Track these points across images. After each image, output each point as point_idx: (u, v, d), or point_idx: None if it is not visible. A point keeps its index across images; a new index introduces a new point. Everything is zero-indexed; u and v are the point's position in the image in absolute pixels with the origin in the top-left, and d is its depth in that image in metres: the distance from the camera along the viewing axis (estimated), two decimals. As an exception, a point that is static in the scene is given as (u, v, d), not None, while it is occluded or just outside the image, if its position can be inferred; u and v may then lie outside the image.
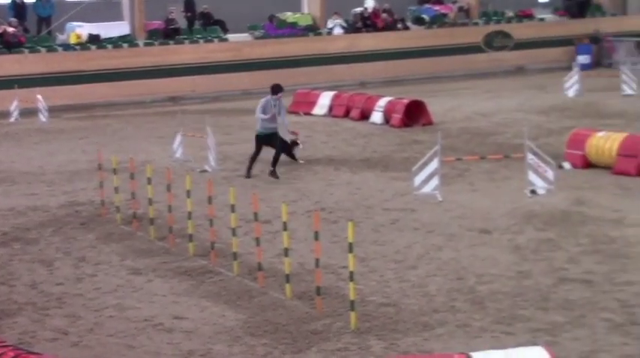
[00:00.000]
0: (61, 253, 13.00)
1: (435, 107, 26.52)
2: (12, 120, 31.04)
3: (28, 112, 30.98)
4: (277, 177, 17.58)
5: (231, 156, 20.92)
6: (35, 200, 16.80)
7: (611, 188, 15.77)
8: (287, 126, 18.58)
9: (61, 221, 15.02)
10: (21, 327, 9.79)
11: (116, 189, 14.53)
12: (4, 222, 15.11)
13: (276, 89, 17.84)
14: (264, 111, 17.68)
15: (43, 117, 30.22)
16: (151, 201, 13.53)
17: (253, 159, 18.08)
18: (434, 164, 15.37)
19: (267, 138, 17.87)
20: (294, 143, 19.49)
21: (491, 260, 11.64)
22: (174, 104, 34.01)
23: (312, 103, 29.46)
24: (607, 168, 17.14)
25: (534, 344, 7.98)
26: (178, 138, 20.56)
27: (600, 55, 39.56)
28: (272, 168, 17.71)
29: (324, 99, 29.09)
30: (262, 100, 17.84)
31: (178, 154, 20.55)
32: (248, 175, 17.85)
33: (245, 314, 10.01)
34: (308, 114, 29.00)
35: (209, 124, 19.32)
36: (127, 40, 35.50)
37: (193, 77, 35.07)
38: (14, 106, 31.08)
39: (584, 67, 34.23)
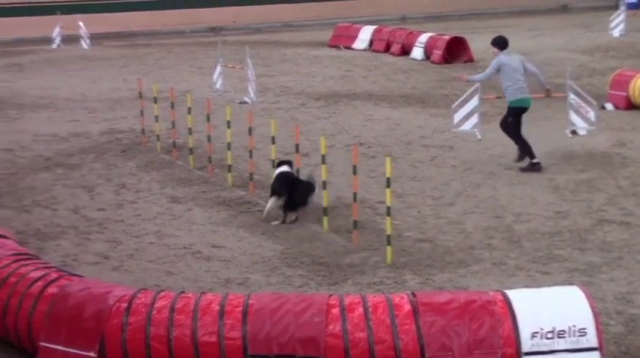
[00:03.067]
0: (102, 179, 13.19)
1: (477, 44, 26.21)
2: (54, 46, 31.23)
3: (70, 39, 31.13)
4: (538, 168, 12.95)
5: (271, 89, 20.95)
6: (77, 126, 17.01)
7: (653, 130, 15.59)
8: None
9: (102, 148, 15.21)
10: (64, 250, 10.00)
11: (156, 118, 14.63)
12: (48, 147, 15.34)
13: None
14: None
15: (85, 45, 30.36)
16: (190, 131, 13.62)
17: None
18: (474, 102, 15.27)
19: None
20: None
21: (529, 199, 11.61)
22: (215, 34, 33.97)
23: (353, 37, 29.28)
24: (650, 110, 16.93)
25: (570, 283, 8.00)
26: (218, 69, 20.57)
27: (648, -6, 38.73)
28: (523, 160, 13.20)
29: (365, 34, 28.91)
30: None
31: (218, 85, 20.59)
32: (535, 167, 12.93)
33: (282, 245, 10.12)
34: (348, 48, 28.84)
35: (249, 56, 19.30)
36: (168, -32, 35.47)
37: (235, 8, 34.93)
38: (56, 32, 31.24)
39: (630, 7, 33.53)
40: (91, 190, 12.60)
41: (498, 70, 13.13)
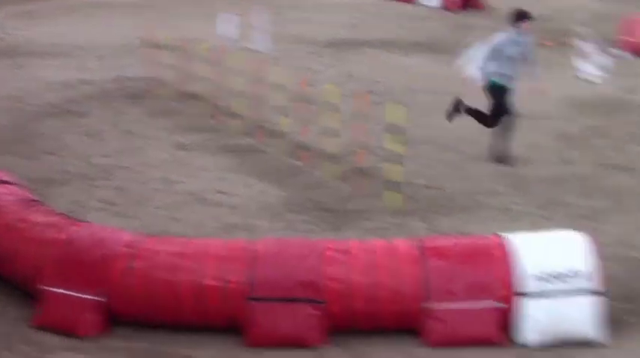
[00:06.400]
0: (109, 126, 13.20)
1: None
2: (64, -7, 31.03)
3: (80, -14, 30.94)
4: None
5: (284, 37, 20.81)
6: (86, 74, 16.96)
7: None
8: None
9: (111, 95, 15.18)
10: (71, 197, 10.06)
11: (166, 66, 14.57)
12: (56, 95, 15.34)
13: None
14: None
15: (94, -8, 30.17)
16: (199, 79, 13.58)
17: None
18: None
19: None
20: None
21: (536, 146, 11.58)
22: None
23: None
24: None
25: (574, 228, 8.00)
26: (228, 17, 20.43)
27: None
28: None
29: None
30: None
31: (229, 34, 20.44)
32: None
33: (287, 191, 10.16)
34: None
35: (260, 3, 19.16)
36: None
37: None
38: (67, -20, 31.06)
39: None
40: (99, 137, 12.62)
41: None
